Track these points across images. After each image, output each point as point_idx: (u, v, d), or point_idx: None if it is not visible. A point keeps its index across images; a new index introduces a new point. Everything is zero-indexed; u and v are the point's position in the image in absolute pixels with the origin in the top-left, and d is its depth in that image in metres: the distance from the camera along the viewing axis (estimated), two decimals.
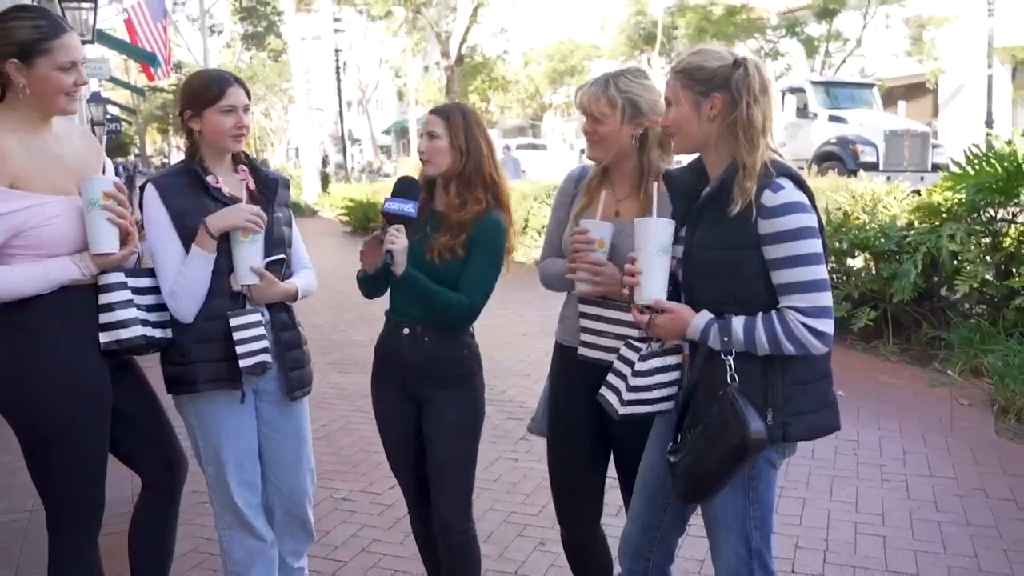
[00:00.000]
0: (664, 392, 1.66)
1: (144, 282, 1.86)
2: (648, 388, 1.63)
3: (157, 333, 1.85)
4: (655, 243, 1.56)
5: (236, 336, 1.85)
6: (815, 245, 1.48)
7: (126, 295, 1.79)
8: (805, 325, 1.46)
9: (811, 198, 1.52)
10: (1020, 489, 3.03)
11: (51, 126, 1.82)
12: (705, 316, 1.54)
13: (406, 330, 1.98)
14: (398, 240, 1.85)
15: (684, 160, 1.77)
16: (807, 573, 2.51)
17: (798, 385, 1.53)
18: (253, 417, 1.99)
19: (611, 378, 1.68)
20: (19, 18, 1.72)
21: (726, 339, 1.50)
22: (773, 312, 1.50)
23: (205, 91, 1.86)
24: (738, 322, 1.50)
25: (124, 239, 1.77)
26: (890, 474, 3.22)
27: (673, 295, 1.63)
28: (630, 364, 1.63)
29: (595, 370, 1.78)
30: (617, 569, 1.81)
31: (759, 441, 1.45)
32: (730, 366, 1.51)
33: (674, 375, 1.67)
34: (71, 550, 1.82)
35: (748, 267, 1.51)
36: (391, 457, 2.11)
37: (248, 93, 1.94)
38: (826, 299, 1.48)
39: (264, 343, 1.90)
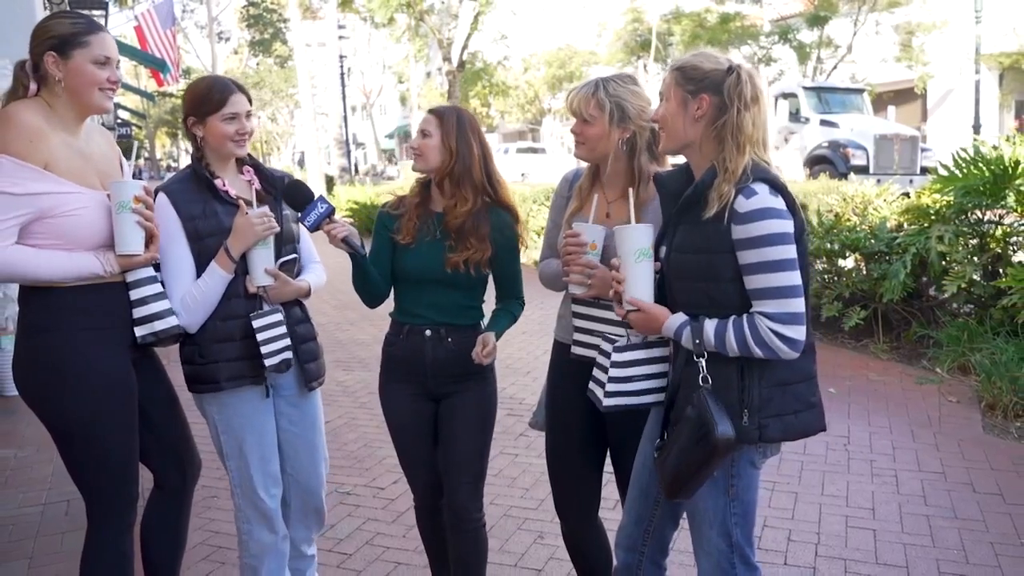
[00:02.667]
0: (648, 384, 1.69)
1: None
2: (628, 379, 1.67)
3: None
4: (634, 249, 1.58)
5: (260, 336, 1.91)
6: (788, 251, 1.47)
7: (158, 288, 1.84)
8: (774, 331, 1.46)
9: (790, 202, 1.51)
10: (1006, 483, 3.08)
11: (83, 126, 1.86)
12: (679, 318, 1.55)
13: (428, 332, 2.03)
14: (339, 227, 1.91)
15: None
16: (799, 565, 2.55)
17: (778, 387, 1.54)
18: (272, 412, 2.04)
19: (596, 372, 1.74)
20: (58, 16, 1.80)
21: (697, 342, 1.52)
22: (744, 316, 1.50)
23: (208, 99, 1.91)
24: (710, 325, 1.52)
25: (148, 241, 1.82)
26: (880, 469, 3.27)
27: (658, 295, 1.66)
28: (607, 356, 1.68)
29: (589, 367, 1.83)
30: (615, 562, 1.85)
31: (726, 442, 1.46)
32: (702, 367, 1.52)
33: (659, 367, 1.69)
34: (105, 540, 1.85)
35: (722, 271, 1.51)
36: (407, 458, 2.12)
37: (249, 99, 1.99)
38: (797, 305, 1.47)
39: (286, 341, 1.96)
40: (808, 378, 1.59)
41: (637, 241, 1.58)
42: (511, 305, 2.13)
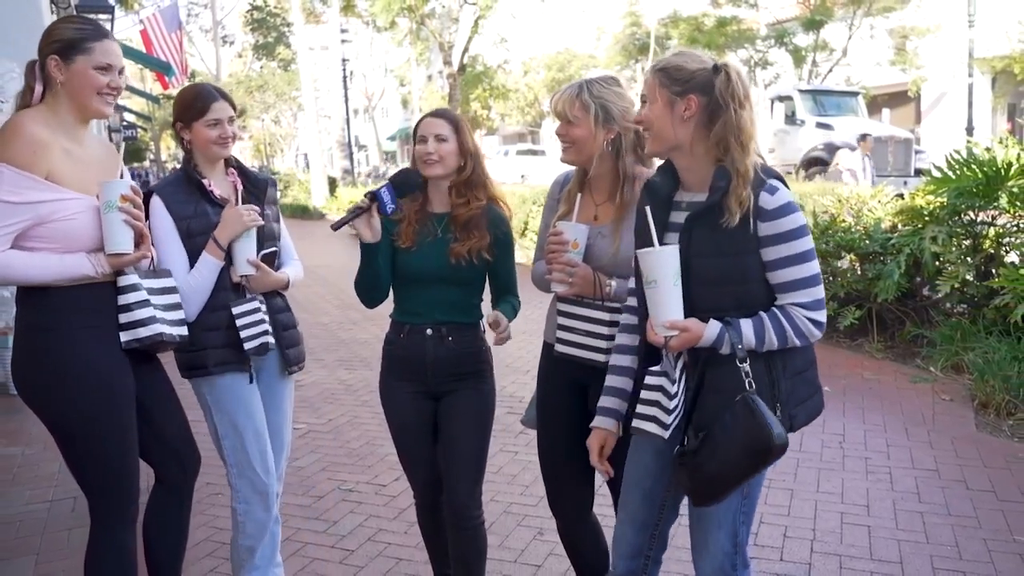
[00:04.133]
0: (685, 391, 1.66)
1: (161, 283, 1.94)
2: (680, 401, 1.63)
3: (175, 331, 1.93)
4: (672, 272, 1.50)
5: (239, 322, 2.04)
6: (810, 242, 1.52)
7: (142, 295, 1.87)
8: (809, 319, 1.51)
9: None
10: (999, 481, 3.11)
11: (86, 131, 1.89)
12: (715, 327, 1.51)
13: (429, 331, 2.06)
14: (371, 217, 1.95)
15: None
16: (795, 562, 2.58)
17: (796, 376, 1.57)
18: (259, 396, 2.14)
19: (643, 408, 1.59)
20: (66, 22, 1.86)
21: (740, 347, 1.50)
22: (776, 310, 1.52)
23: (193, 106, 2.05)
24: (747, 327, 1.51)
25: (138, 241, 1.84)
26: (874, 466, 3.30)
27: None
28: (660, 389, 1.57)
29: (577, 365, 1.85)
30: (613, 569, 1.80)
31: (782, 446, 1.44)
32: (747, 373, 1.49)
33: (684, 374, 1.66)
34: (108, 536, 1.88)
35: (750, 271, 1.52)
36: (408, 456, 2.14)
37: (233, 105, 2.13)
38: (821, 291, 1.54)
39: (264, 326, 2.08)
40: (814, 362, 1.64)
41: (673, 264, 1.51)
42: (510, 299, 2.16)
